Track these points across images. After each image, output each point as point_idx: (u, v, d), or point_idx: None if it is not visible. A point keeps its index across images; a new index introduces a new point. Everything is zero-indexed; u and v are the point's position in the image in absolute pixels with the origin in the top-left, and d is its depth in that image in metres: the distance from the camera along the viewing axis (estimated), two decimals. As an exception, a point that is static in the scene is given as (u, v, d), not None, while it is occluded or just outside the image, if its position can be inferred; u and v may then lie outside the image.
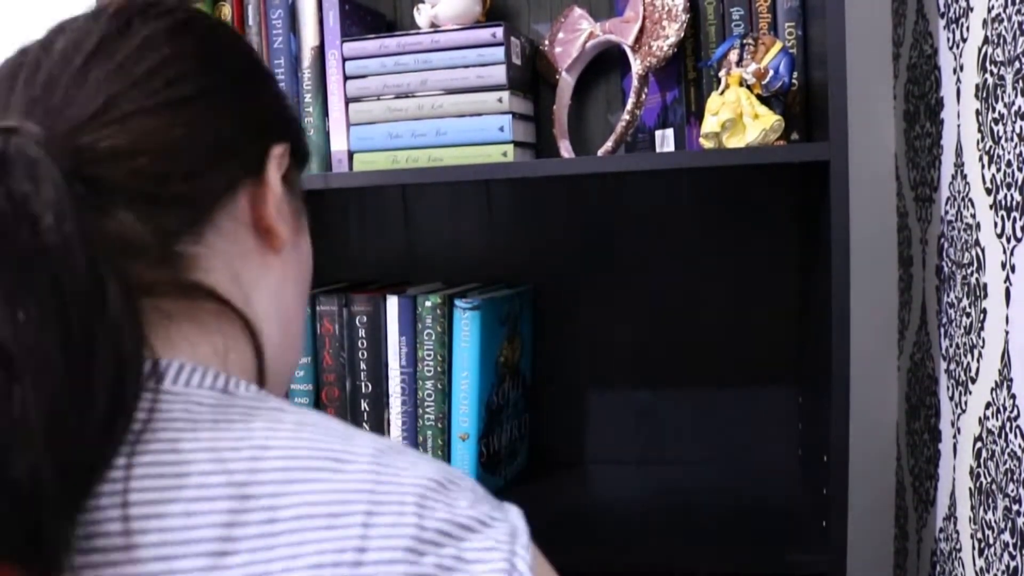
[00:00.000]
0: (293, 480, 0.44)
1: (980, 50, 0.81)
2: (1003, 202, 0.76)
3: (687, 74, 1.10)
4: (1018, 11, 0.71)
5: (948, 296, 0.94)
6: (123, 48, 0.50)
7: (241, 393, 0.49)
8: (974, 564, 0.85)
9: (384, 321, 1.14)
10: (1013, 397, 0.74)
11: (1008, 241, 0.75)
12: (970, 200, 0.85)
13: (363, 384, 1.16)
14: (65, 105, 0.48)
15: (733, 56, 0.99)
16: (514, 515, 0.47)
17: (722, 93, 0.99)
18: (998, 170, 0.77)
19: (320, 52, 1.11)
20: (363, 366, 1.16)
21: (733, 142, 0.98)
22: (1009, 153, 0.74)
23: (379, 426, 1.16)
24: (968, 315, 0.87)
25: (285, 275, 0.58)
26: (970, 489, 0.86)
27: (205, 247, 0.51)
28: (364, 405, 1.16)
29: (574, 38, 1.16)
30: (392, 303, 1.14)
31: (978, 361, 0.84)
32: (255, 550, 0.42)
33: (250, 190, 0.55)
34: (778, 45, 0.99)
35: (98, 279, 0.43)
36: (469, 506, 0.46)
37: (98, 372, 0.42)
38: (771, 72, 0.98)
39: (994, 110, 0.78)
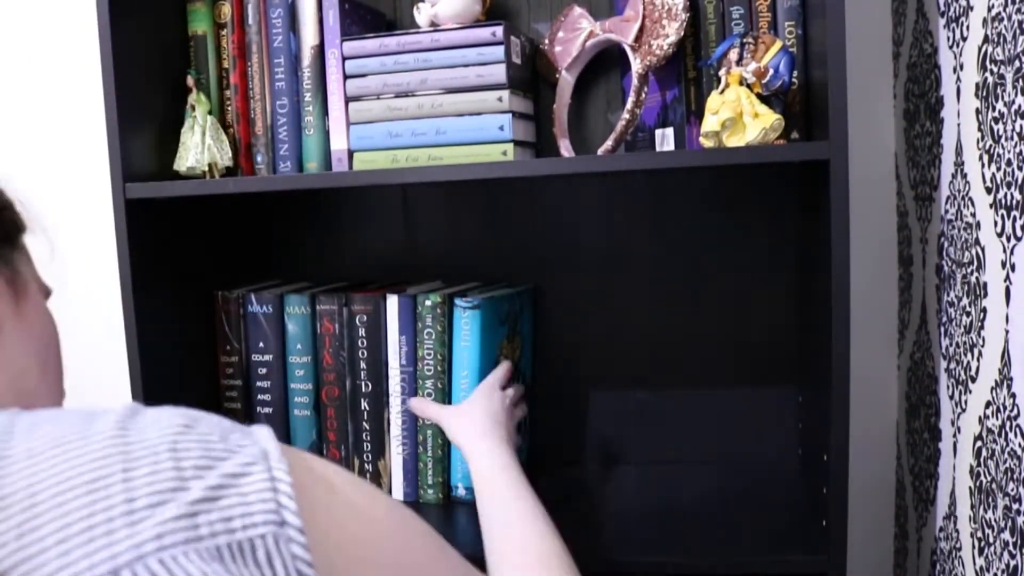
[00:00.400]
0: (41, 463, 0.44)
1: (980, 49, 0.81)
2: (1003, 201, 0.76)
3: (687, 73, 1.10)
4: (1018, 10, 0.71)
5: (948, 295, 0.94)
6: None
7: None
8: (974, 563, 0.85)
9: (384, 320, 1.14)
10: (1013, 396, 0.74)
11: (1008, 240, 0.75)
12: (970, 199, 0.85)
13: (363, 383, 1.16)
14: None
15: (733, 55, 0.99)
16: (262, 436, 0.49)
17: (722, 92, 0.99)
18: (998, 169, 0.77)
19: (320, 51, 1.11)
20: (363, 365, 1.16)
21: (733, 141, 0.98)
22: (1009, 152, 0.74)
23: (379, 425, 1.16)
24: (968, 314, 0.87)
25: (14, 352, 0.59)
26: (970, 488, 0.86)
27: None
28: (364, 404, 1.16)
29: (574, 37, 1.16)
30: (392, 302, 1.14)
31: (978, 360, 0.84)
32: (21, 535, 0.41)
33: None
34: (778, 44, 0.99)
35: None
36: (219, 439, 0.47)
37: None
38: (771, 71, 0.98)
39: (994, 109, 0.77)
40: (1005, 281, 0.76)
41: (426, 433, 1.14)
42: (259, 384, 1.19)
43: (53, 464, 0.44)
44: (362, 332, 1.15)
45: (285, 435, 1.19)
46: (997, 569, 0.78)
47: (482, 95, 1.05)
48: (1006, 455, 0.76)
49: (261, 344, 1.19)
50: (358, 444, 1.17)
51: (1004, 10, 0.74)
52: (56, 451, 0.45)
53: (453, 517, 1.11)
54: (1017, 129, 0.72)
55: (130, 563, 0.41)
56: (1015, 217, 0.73)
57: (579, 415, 1.29)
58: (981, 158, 0.82)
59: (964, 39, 0.86)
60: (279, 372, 1.19)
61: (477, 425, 0.98)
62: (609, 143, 1.05)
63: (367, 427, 1.17)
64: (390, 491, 1.17)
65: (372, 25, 1.19)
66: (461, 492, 1.16)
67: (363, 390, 1.16)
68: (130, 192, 1.06)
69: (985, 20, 0.79)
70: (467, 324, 1.11)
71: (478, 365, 1.11)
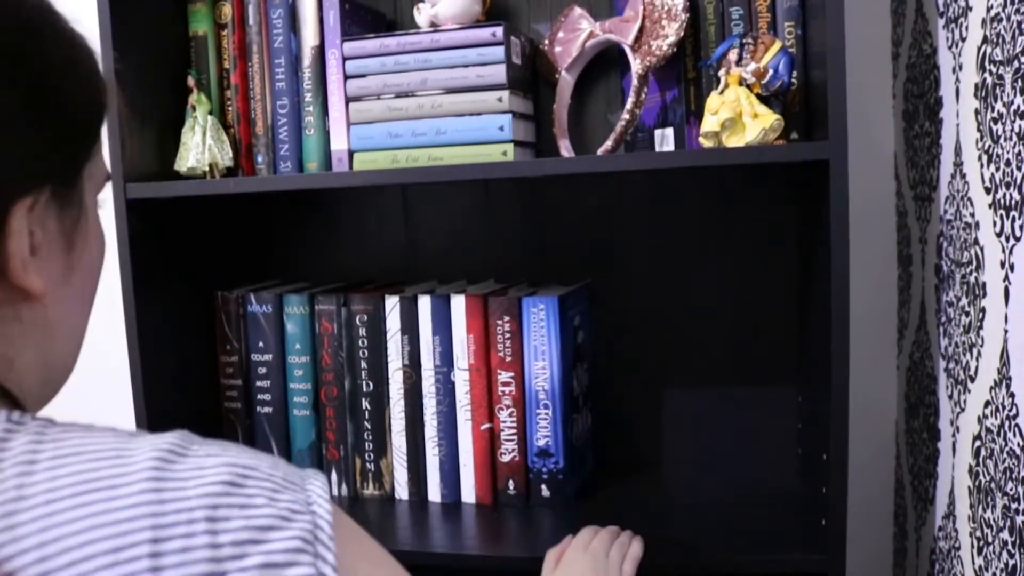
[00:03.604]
0: (61, 514, 0.39)
1: (979, 49, 0.81)
2: (1002, 201, 0.76)
3: (687, 73, 1.10)
4: (1017, 10, 0.71)
5: (947, 295, 0.94)
6: None
7: None
8: (973, 562, 0.85)
9: (417, 321, 1.13)
10: (1012, 396, 0.74)
11: (1007, 240, 0.75)
12: (969, 199, 0.85)
13: (364, 383, 1.16)
14: None
15: (733, 55, 0.99)
16: (316, 495, 0.45)
17: (722, 92, 0.99)
18: (997, 169, 0.77)
19: (320, 51, 1.12)
20: (363, 365, 1.16)
21: (733, 141, 0.98)
22: (1008, 152, 0.74)
23: (380, 425, 1.16)
24: (967, 314, 0.87)
25: (54, 315, 0.51)
26: (969, 488, 0.86)
27: None
28: (365, 404, 1.16)
29: (574, 37, 1.16)
30: (424, 303, 1.13)
31: (977, 360, 0.84)
32: None
33: None
34: (777, 44, 0.99)
35: None
36: (267, 502, 0.43)
37: None
38: (770, 71, 0.98)
39: (993, 109, 0.78)
40: (1004, 281, 0.76)
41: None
42: (259, 384, 1.20)
43: (74, 518, 0.39)
44: (362, 332, 1.15)
45: (285, 435, 1.20)
46: (996, 568, 0.78)
47: (482, 95, 1.05)
48: (1005, 454, 0.76)
49: (261, 344, 1.19)
50: (358, 444, 1.17)
51: (1003, 11, 0.74)
52: (79, 499, 0.39)
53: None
54: (1016, 129, 0.72)
55: None
56: (1014, 217, 0.73)
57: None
58: (980, 158, 0.82)
59: (963, 40, 0.86)
60: (279, 372, 1.19)
61: None
62: (609, 143, 1.05)
63: (368, 427, 1.17)
64: (414, 492, 1.16)
65: (372, 25, 1.19)
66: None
67: (364, 390, 1.16)
68: (131, 192, 1.06)
69: (984, 21, 0.79)
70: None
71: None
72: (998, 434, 0.78)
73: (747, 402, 1.23)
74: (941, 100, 0.95)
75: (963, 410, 0.88)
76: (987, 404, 0.81)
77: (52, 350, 0.52)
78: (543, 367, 1.10)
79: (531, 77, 1.18)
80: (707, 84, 1.07)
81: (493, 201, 1.28)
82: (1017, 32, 0.71)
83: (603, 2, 1.20)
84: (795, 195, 1.19)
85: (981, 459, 0.82)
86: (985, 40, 0.79)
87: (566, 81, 1.17)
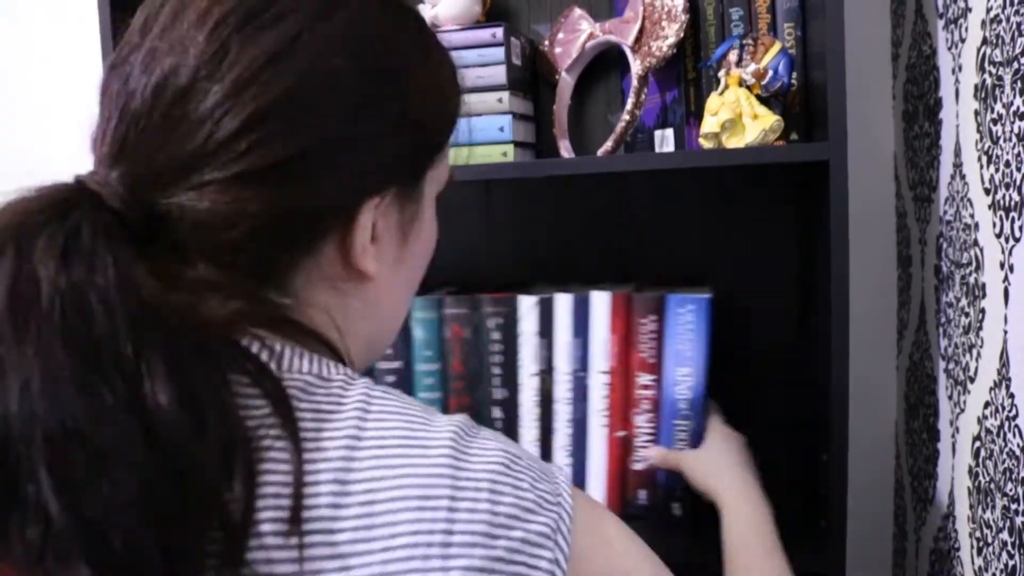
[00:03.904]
0: (387, 458, 0.48)
1: (979, 51, 0.81)
2: (1001, 202, 0.76)
3: (687, 74, 1.10)
4: (1016, 12, 0.71)
5: (947, 296, 0.94)
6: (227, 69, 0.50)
7: (334, 377, 0.52)
8: (972, 563, 0.85)
9: (553, 322, 1.07)
10: (1011, 396, 0.74)
11: (1007, 241, 0.75)
12: (969, 200, 0.85)
13: (496, 390, 1.09)
14: (156, 149, 0.49)
15: (732, 56, 0.99)
16: (562, 488, 0.53)
17: (721, 93, 0.99)
18: (996, 170, 0.77)
19: (320, 52, 1.11)
20: (497, 371, 1.09)
21: (733, 142, 0.98)
22: (1007, 153, 0.74)
23: (512, 435, 1.09)
24: (967, 315, 0.87)
25: (383, 292, 0.59)
26: (969, 488, 0.86)
27: (291, 296, 0.54)
28: (497, 412, 1.09)
29: (574, 38, 1.16)
30: (563, 302, 1.06)
31: (977, 361, 0.84)
32: (357, 528, 0.46)
33: (338, 236, 0.54)
34: (777, 45, 0.99)
35: (140, 357, 0.44)
36: (530, 486, 0.51)
37: (197, 447, 0.44)
38: (770, 72, 0.98)
39: (992, 110, 0.78)
40: (1004, 282, 0.76)
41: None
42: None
43: (396, 463, 0.48)
44: (495, 336, 1.08)
45: None
46: (996, 569, 0.78)
47: (482, 96, 1.05)
48: (1004, 455, 0.76)
49: (388, 351, 1.11)
50: None
51: (1003, 12, 0.74)
52: (400, 451, 0.49)
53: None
54: (1015, 130, 0.72)
55: None
56: (1013, 218, 0.73)
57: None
58: (980, 159, 0.82)
59: (963, 41, 0.86)
60: (406, 380, 1.12)
61: (727, 470, 0.93)
62: (609, 144, 1.05)
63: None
64: None
65: (372, 26, 1.19)
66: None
67: (496, 397, 1.09)
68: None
69: (984, 22, 0.79)
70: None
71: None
72: (998, 435, 0.78)
73: (747, 402, 1.23)
74: (941, 101, 0.95)
75: (963, 411, 0.88)
76: (987, 405, 0.81)
77: (377, 327, 0.61)
78: (686, 373, 1.02)
79: (531, 78, 1.18)
80: (707, 85, 1.07)
81: (493, 201, 1.28)
82: (1016, 33, 0.71)
83: (603, 3, 1.20)
84: (795, 196, 1.19)
85: (981, 460, 0.83)
86: (985, 41, 0.79)
87: (566, 82, 1.17)
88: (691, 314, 1.02)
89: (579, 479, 1.08)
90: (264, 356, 0.50)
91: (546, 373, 1.07)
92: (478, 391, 1.10)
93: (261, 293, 0.52)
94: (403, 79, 0.56)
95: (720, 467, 0.93)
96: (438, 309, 1.10)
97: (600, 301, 1.04)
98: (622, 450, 1.06)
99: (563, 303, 1.06)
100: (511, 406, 1.09)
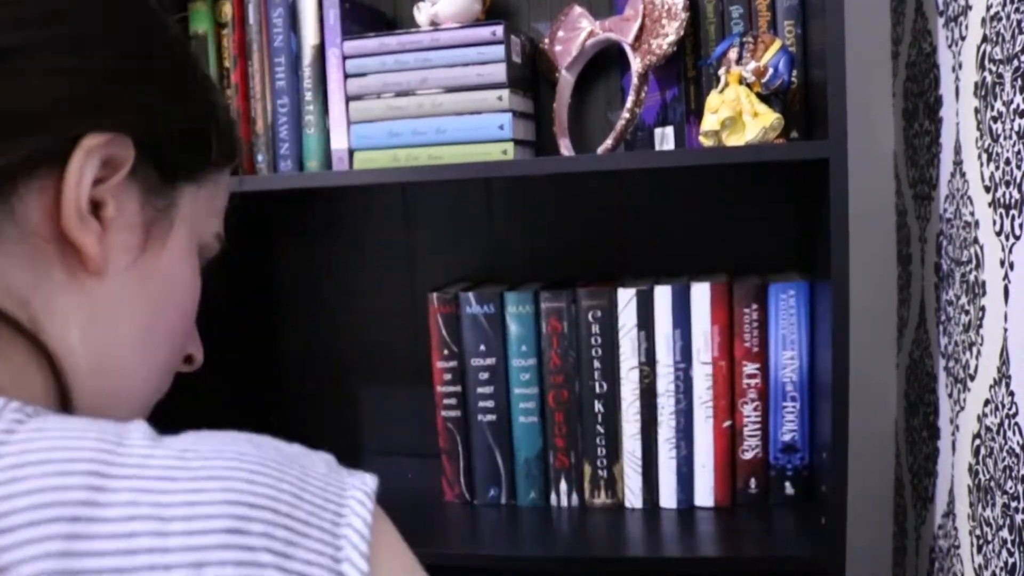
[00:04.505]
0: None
1: (979, 48, 0.81)
2: (1002, 200, 0.76)
3: (687, 72, 1.10)
4: (1016, 9, 0.71)
5: (947, 294, 0.94)
6: None
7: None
8: (972, 561, 0.85)
9: (653, 313, 1.07)
10: (1012, 394, 0.74)
11: (1007, 239, 0.75)
12: (969, 198, 0.85)
13: (596, 384, 1.09)
14: None
15: (733, 54, 0.99)
16: (349, 540, 0.36)
17: (722, 91, 0.99)
18: (997, 168, 0.77)
19: (320, 50, 1.12)
20: (596, 365, 1.09)
21: (733, 140, 0.98)
22: (1008, 151, 0.74)
23: (614, 429, 1.10)
24: (967, 313, 0.87)
25: (110, 303, 0.44)
26: (969, 486, 0.86)
27: None
28: (598, 407, 1.10)
29: (574, 36, 1.16)
30: (662, 294, 1.07)
31: (977, 358, 0.84)
32: None
33: (48, 189, 0.41)
34: (777, 43, 0.99)
35: None
36: (274, 561, 0.33)
37: None
38: (770, 70, 0.98)
39: (993, 108, 0.78)
40: (1004, 280, 0.76)
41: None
42: (480, 391, 1.13)
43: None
44: (594, 329, 1.08)
45: (509, 443, 1.13)
46: (996, 567, 0.78)
47: (482, 94, 1.05)
48: (1005, 453, 0.76)
49: (482, 347, 1.12)
50: (589, 450, 1.11)
51: (1003, 9, 0.74)
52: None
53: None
54: (1016, 128, 0.72)
55: None
56: (1014, 216, 0.73)
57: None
58: (980, 157, 0.82)
59: (963, 38, 0.86)
60: (501, 376, 1.12)
61: None
62: (609, 142, 1.05)
63: (601, 431, 1.10)
64: (647, 498, 1.10)
65: (372, 24, 1.19)
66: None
67: (596, 391, 1.09)
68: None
69: (984, 19, 0.79)
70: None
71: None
72: (998, 432, 0.78)
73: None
74: (941, 99, 0.95)
75: (963, 408, 0.88)
76: (987, 403, 0.81)
77: (107, 341, 0.45)
78: (791, 357, 1.05)
79: (531, 76, 1.18)
80: (707, 83, 1.07)
81: (493, 200, 1.28)
82: (1017, 31, 0.71)
83: (603, 1, 1.20)
84: (795, 194, 1.19)
85: (981, 457, 0.83)
86: (985, 39, 0.79)
87: (566, 80, 1.17)
88: (793, 299, 1.04)
89: (686, 472, 1.09)
90: None
91: (646, 366, 1.08)
92: (577, 385, 1.10)
93: None
94: (163, 33, 0.47)
95: None
96: (534, 303, 1.11)
97: (700, 292, 1.06)
98: (730, 440, 1.08)
99: (662, 295, 1.07)
100: (611, 400, 1.10)
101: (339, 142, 1.12)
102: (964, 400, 0.88)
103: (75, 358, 0.43)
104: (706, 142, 1.00)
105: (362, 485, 0.38)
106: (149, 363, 0.48)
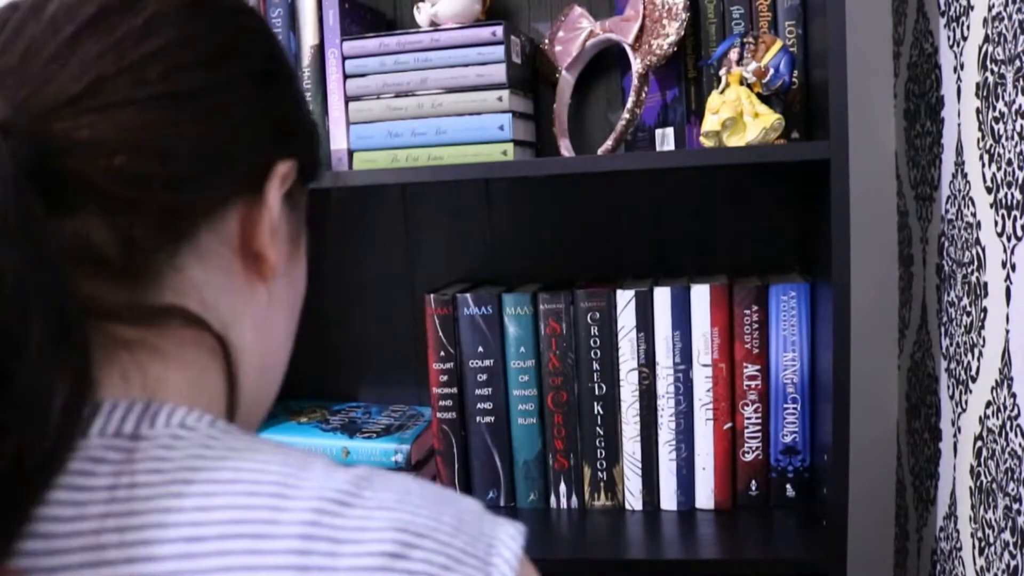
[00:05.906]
0: (198, 557, 0.36)
1: (981, 48, 0.81)
2: (1003, 200, 0.76)
3: (687, 73, 1.10)
4: (1018, 9, 0.71)
5: (948, 295, 0.94)
6: (124, 23, 0.43)
7: (201, 430, 0.42)
8: (974, 563, 0.85)
9: (653, 315, 1.07)
10: (1013, 396, 0.74)
11: (1008, 240, 0.75)
12: (970, 199, 0.85)
13: (595, 386, 1.10)
14: (43, 81, 0.40)
15: (733, 55, 0.99)
16: (500, 572, 0.39)
17: (722, 92, 0.99)
18: (998, 168, 0.77)
19: (320, 51, 1.11)
20: (596, 366, 1.09)
21: (733, 141, 0.98)
22: (1010, 152, 0.74)
23: (613, 431, 1.10)
24: (968, 314, 0.87)
25: (271, 306, 0.50)
26: (970, 488, 0.86)
27: (178, 270, 0.44)
28: (597, 408, 1.10)
29: (574, 37, 1.16)
30: (662, 295, 1.06)
31: (978, 360, 0.83)
32: None
33: (243, 209, 0.47)
34: (778, 44, 0.98)
35: (23, 309, 0.35)
36: None
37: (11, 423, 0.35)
38: (771, 71, 0.98)
39: (995, 108, 0.77)
40: (1005, 281, 0.76)
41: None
42: (478, 392, 1.13)
43: (211, 568, 0.36)
44: (593, 331, 1.08)
45: (507, 445, 1.13)
46: (997, 569, 0.78)
47: (482, 95, 1.05)
48: (1006, 455, 0.76)
49: (480, 349, 1.12)
50: (588, 452, 1.11)
51: (1004, 10, 0.74)
52: (221, 544, 0.37)
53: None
54: (1018, 129, 0.72)
55: None
56: (1015, 217, 0.73)
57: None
58: (982, 158, 0.82)
59: (964, 39, 0.86)
60: (499, 378, 1.12)
61: None
62: (609, 143, 1.05)
63: (600, 433, 1.10)
64: (648, 500, 1.10)
65: (372, 25, 1.19)
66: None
67: (595, 393, 1.09)
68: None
69: (985, 20, 0.79)
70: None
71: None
72: (999, 434, 0.77)
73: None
74: (942, 99, 0.94)
75: (964, 410, 0.88)
76: (988, 404, 0.80)
77: (265, 339, 0.50)
78: (792, 358, 1.05)
79: (531, 76, 1.17)
80: (708, 83, 1.07)
81: (493, 200, 1.28)
82: (1019, 31, 0.71)
83: (603, 1, 1.20)
84: (796, 195, 1.19)
85: (982, 459, 0.82)
86: (986, 39, 0.79)
87: (566, 80, 1.17)
88: (794, 300, 1.04)
89: (687, 474, 1.09)
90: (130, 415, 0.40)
91: (646, 367, 1.08)
92: (576, 387, 1.11)
93: (145, 267, 0.43)
94: (288, 75, 0.52)
95: None
96: (533, 304, 1.11)
97: (700, 293, 1.06)
98: (730, 442, 1.08)
99: (662, 296, 1.07)
100: (611, 401, 1.10)
101: (338, 143, 1.12)
102: (966, 402, 0.88)
103: (249, 357, 0.48)
104: (707, 143, 0.99)
105: (512, 526, 0.42)
106: (286, 360, 0.54)
